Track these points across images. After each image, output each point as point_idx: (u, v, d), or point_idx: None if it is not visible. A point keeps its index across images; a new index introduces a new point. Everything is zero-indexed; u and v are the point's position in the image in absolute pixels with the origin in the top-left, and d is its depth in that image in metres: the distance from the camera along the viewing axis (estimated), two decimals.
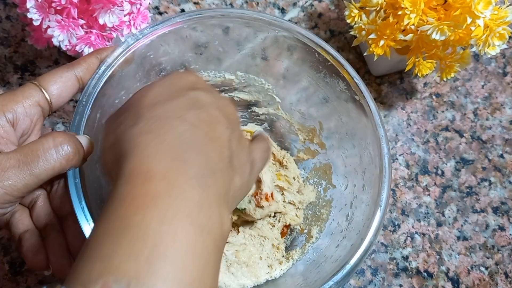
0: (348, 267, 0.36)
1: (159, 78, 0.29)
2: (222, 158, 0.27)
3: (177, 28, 0.41)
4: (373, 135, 0.41)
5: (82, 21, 0.43)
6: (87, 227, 0.33)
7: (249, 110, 0.51)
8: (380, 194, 0.38)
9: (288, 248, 0.48)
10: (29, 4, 0.41)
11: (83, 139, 0.33)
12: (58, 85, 0.34)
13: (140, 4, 0.46)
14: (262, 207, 0.45)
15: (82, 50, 0.44)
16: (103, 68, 0.38)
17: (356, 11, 0.49)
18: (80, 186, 0.33)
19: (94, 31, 0.44)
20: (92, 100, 0.37)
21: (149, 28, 0.40)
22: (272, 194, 0.47)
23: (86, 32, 0.44)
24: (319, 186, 0.49)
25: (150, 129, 0.26)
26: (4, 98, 0.32)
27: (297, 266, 0.45)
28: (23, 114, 0.32)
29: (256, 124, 0.52)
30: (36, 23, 0.42)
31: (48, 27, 0.42)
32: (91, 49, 0.44)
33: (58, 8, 0.42)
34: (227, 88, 0.49)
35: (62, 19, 0.42)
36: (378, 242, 0.52)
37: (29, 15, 0.41)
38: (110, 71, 0.38)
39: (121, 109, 0.29)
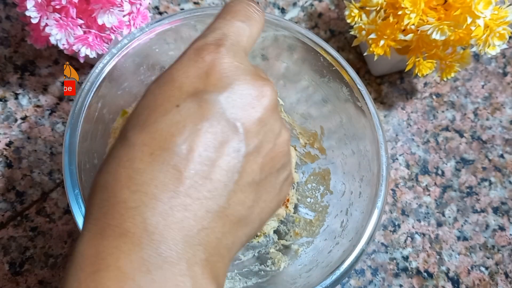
0: (337, 273, 0.36)
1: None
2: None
3: (178, 25, 0.41)
4: (372, 139, 0.40)
5: (80, 21, 0.43)
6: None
7: None
8: (375, 202, 0.38)
9: (280, 251, 0.48)
10: (29, 5, 0.41)
11: None
12: None
13: (140, 4, 0.46)
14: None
15: (79, 50, 0.44)
16: (107, 57, 0.38)
17: (356, 11, 0.49)
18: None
19: (92, 31, 0.44)
20: (94, 89, 0.37)
21: (154, 22, 0.40)
22: (288, 199, 0.47)
23: (85, 32, 0.44)
24: (317, 192, 0.49)
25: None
26: None
27: (288, 269, 0.45)
28: None
29: None
30: (34, 21, 0.42)
31: (46, 25, 0.42)
32: (88, 50, 0.44)
33: (57, 7, 0.42)
34: None
35: (60, 18, 0.42)
36: (378, 242, 0.52)
37: (27, 13, 0.41)
38: (114, 62, 0.38)
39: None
